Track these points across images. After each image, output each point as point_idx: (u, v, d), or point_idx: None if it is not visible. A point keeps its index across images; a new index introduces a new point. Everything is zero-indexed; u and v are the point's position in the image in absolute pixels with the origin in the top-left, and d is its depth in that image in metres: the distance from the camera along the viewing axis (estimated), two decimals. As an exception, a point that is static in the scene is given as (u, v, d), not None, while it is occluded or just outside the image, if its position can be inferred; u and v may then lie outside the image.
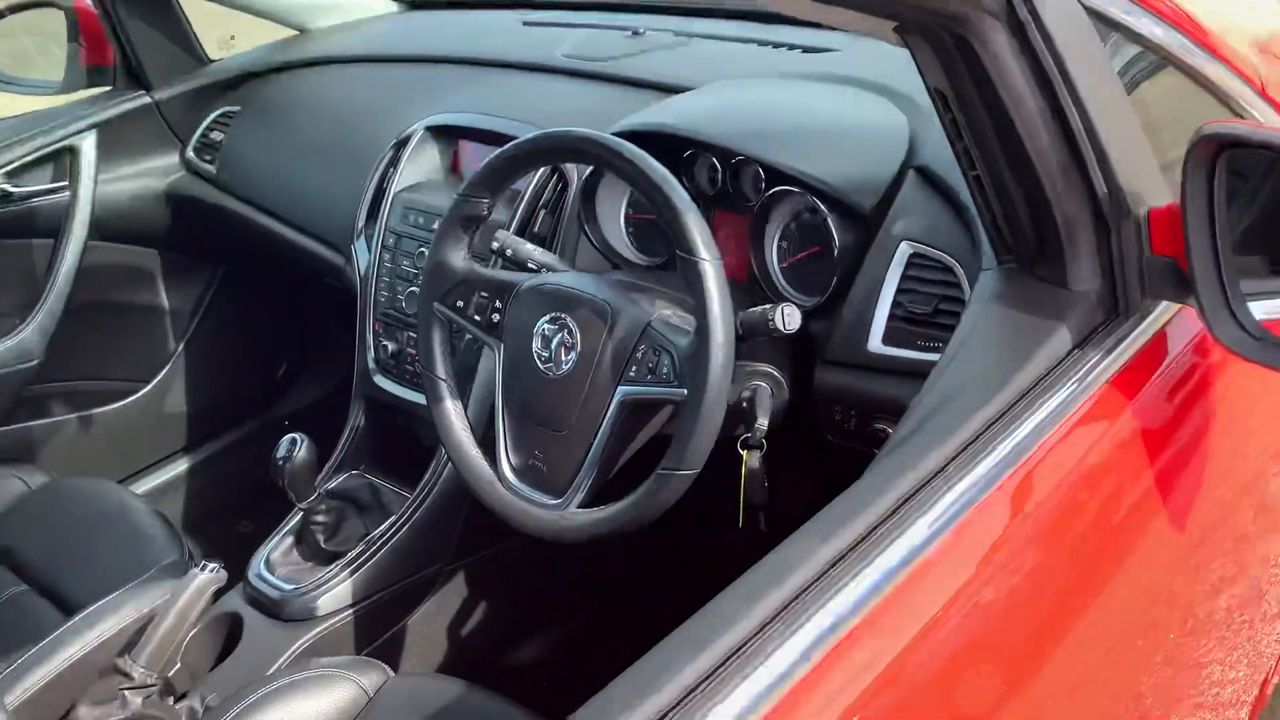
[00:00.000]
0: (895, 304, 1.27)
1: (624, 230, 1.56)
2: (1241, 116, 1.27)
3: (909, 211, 1.29)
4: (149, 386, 2.29)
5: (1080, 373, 0.96)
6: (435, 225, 1.66)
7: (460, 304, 1.34)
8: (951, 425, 0.89)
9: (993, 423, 0.89)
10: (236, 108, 2.15)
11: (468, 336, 1.51)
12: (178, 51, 2.19)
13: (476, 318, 1.33)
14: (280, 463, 1.51)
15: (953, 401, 0.93)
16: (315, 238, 1.93)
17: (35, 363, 2.04)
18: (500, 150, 1.27)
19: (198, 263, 2.31)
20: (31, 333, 2.02)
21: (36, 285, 2.05)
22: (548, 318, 1.26)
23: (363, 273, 1.76)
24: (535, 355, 1.26)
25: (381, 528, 1.61)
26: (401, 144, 1.78)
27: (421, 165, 1.76)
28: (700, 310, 1.11)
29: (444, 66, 1.95)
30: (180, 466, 2.35)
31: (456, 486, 1.60)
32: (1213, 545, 1.15)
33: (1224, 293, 0.94)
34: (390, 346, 1.70)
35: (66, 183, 2.05)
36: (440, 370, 1.36)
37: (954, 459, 0.86)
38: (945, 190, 1.28)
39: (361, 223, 1.79)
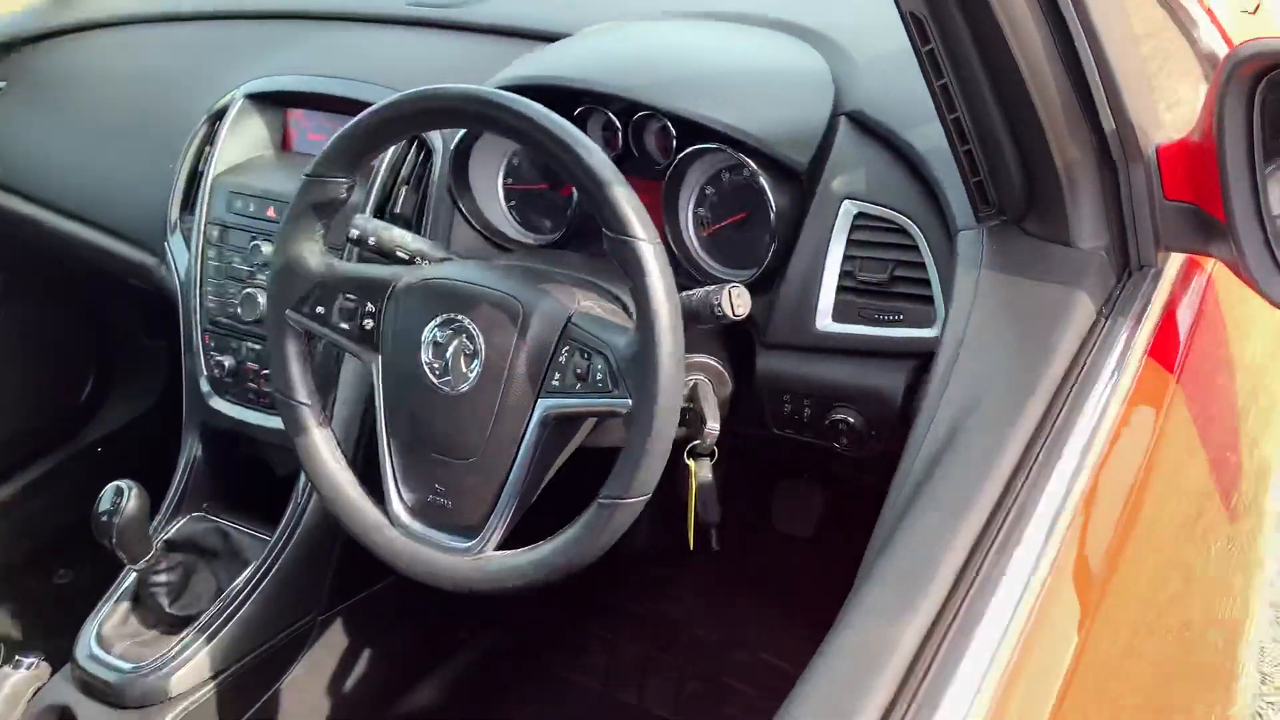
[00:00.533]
0: (843, 274, 1.09)
1: (504, 204, 1.33)
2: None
3: (848, 165, 1.11)
4: None
5: (1116, 348, 0.81)
6: (270, 212, 1.38)
7: (320, 310, 1.09)
8: (997, 437, 0.72)
9: (1044, 432, 0.73)
10: (1, 83, 1.78)
11: (323, 343, 1.26)
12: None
13: (343, 326, 1.08)
14: (104, 518, 1.22)
15: (985, 405, 0.76)
16: (116, 235, 1.61)
17: None
18: (359, 117, 1.02)
19: None
20: None
21: None
22: (438, 320, 1.02)
23: (183, 275, 1.46)
24: (426, 368, 1.02)
25: (239, 581, 1.34)
26: (217, 117, 1.48)
27: (244, 141, 1.47)
28: (641, 300, 0.91)
29: (261, 23, 1.65)
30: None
31: (325, 520, 1.35)
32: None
33: (1268, 241, 0.79)
34: (226, 362, 1.42)
35: None
36: (300, 393, 1.10)
37: (1020, 478, 0.69)
38: (886, 138, 1.11)
39: (176, 214, 1.49)
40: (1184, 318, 0.92)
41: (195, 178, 1.47)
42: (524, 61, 1.27)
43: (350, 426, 1.30)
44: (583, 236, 1.28)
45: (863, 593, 0.62)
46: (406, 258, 1.17)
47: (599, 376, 0.95)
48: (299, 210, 1.07)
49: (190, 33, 1.70)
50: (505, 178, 1.32)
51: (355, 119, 1.02)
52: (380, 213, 1.32)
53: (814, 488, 1.65)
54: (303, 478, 1.38)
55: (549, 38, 1.35)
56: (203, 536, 1.42)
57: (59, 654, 1.82)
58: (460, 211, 1.29)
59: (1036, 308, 0.84)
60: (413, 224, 1.32)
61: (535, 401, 0.98)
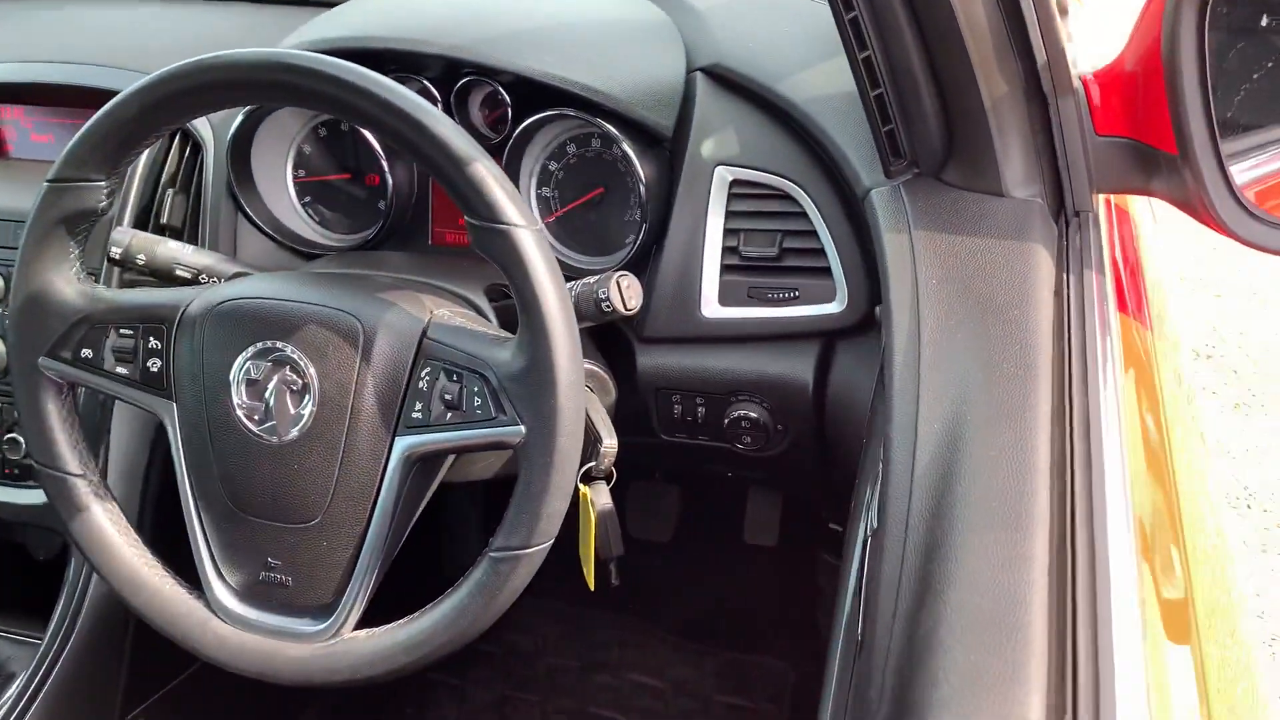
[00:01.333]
0: (725, 250, 0.96)
1: (296, 201, 1.10)
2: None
3: (714, 127, 0.98)
4: None
5: (1094, 307, 0.71)
6: (-7, 236, 1.10)
7: (86, 354, 0.84)
8: (1018, 430, 0.59)
9: (1065, 413, 0.61)
10: None
11: (83, 391, 1.00)
12: None
13: (120, 371, 0.84)
14: None
15: (983, 392, 0.64)
16: None
17: None
18: (119, 99, 0.78)
19: None
20: None
21: None
22: (251, 352, 0.81)
23: None
24: (240, 413, 0.81)
25: (1, 703, 1.06)
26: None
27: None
28: (527, 301, 0.73)
29: None
30: None
31: (110, 606, 1.09)
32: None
33: (1225, 172, 0.72)
34: None
35: None
36: (69, 462, 0.86)
37: (1066, 473, 0.57)
38: (754, 92, 0.97)
39: None
40: (1124, 264, 0.84)
41: None
42: (315, 24, 1.05)
43: (130, 493, 1.04)
44: (401, 234, 1.09)
45: (942, 655, 0.48)
46: (189, 276, 0.94)
47: (476, 402, 0.76)
48: (42, 228, 0.82)
49: None
50: (295, 169, 1.10)
51: (114, 102, 0.78)
52: (142, 225, 1.07)
53: (670, 488, 1.52)
54: (74, 560, 1.11)
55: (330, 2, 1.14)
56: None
57: None
58: (245, 214, 1.06)
59: (993, 268, 0.72)
60: (184, 235, 1.08)
61: (392, 441, 0.79)
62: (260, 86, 0.77)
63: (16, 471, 1.11)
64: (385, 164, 1.04)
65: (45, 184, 0.81)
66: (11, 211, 1.09)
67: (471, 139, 0.74)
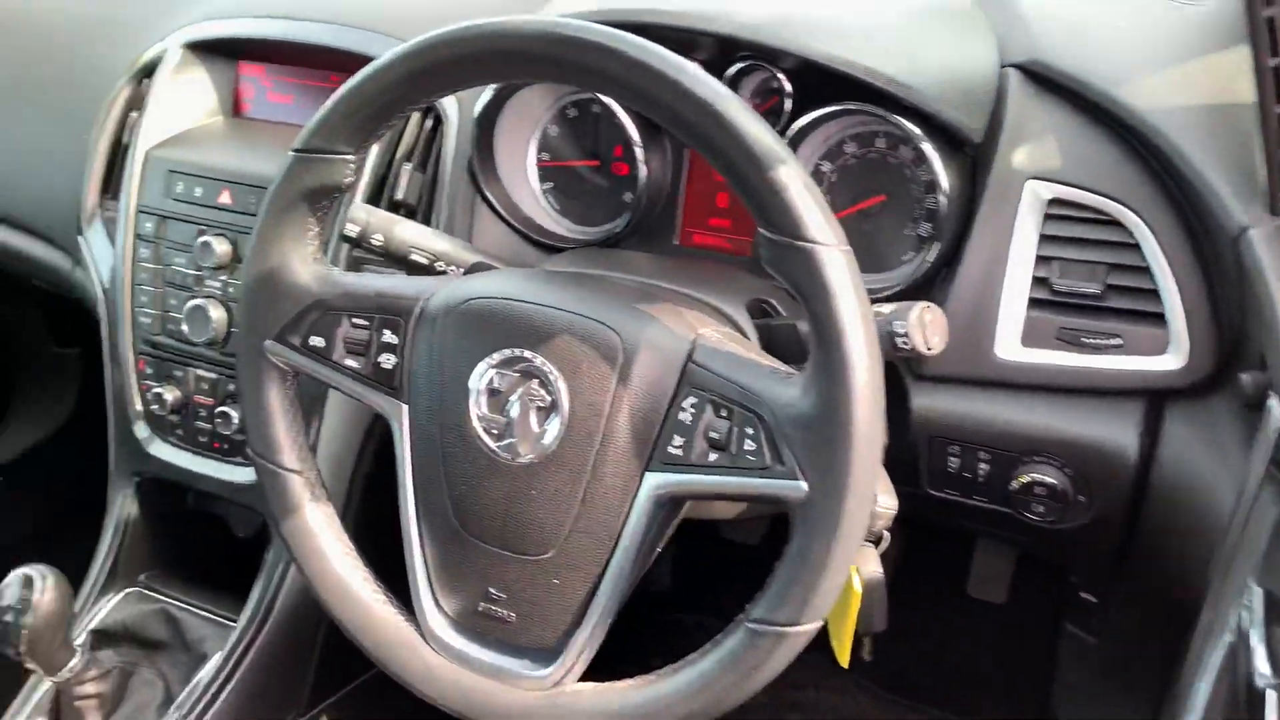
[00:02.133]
0: (1035, 282, 0.81)
1: (537, 187, 1.02)
2: None
3: (1029, 133, 0.83)
4: None
5: None
6: (223, 197, 1.05)
7: (317, 341, 0.77)
8: None
9: None
10: None
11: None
12: None
13: (351, 364, 0.77)
14: (8, 619, 0.89)
15: None
16: (14, 226, 1.25)
17: None
18: (377, 65, 0.70)
19: None
20: None
21: None
22: (496, 360, 0.72)
23: (106, 280, 1.12)
24: (477, 427, 0.72)
25: (196, 683, 1.02)
26: (145, 73, 1.13)
27: (183, 105, 1.12)
28: (827, 335, 0.61)
29: None
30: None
31: (307, 595, 1.03)
32: None
33: None
34: (167, 395, 1.08)
35: None
36: (287, 456, 0.79)
37: None
38: (1080, 98, 0.82)
39: (93, 200, 1.14)
40: None
41: (119, 152, 1.13)
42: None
43: (336, 490, 0.98)
44: (646, 231, 0.98)
45: None
46: (425, 262, 0.86)
47: (749, 446, 0.65)
48: (284, 201, 0.75)
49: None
50: (539, 152, 1.01)
51: (372, 68, 0.70)
52: (374, 200, 1.00)
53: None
54: (274, 544, 1.06)
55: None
56: (143, 623, 1.09)
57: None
58: (483, 197, 0.98)
59: None
60: (418, 214, 1.00)
61: (643, 475, 0.68)
62: (536, 60, 0.67)
63: (226, 447, 1.07)
64: (639, 153, 0.94)
65: (291, 153, 0.74)
66: (241, 174, 1.04)
67: (779, 137, 0.62)
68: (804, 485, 0.62)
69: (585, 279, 0.78)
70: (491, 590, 0.73)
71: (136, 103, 1.12)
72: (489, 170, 0.98)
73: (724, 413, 0.66)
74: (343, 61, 1.03)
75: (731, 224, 0.97)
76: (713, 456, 0.66)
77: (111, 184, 1.13)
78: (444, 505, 0.74)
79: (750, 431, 0.65)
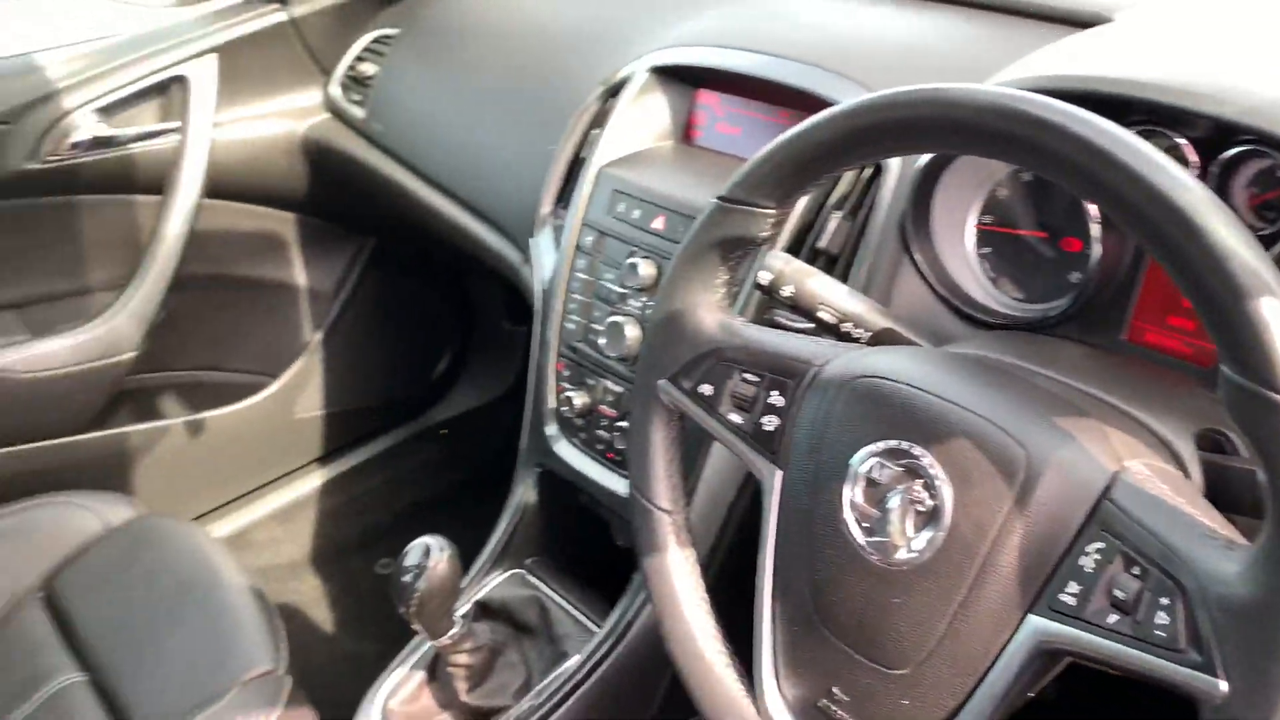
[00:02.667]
0: None
1: (974, 253, 0.94)
2: None
3: None
4: (278, 383, 1.82)
5: None
6: (657, 223, 1.08)
7: (706, 390, 0.76)
8: None
9: None
10: (394, 30, 1.61)
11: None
12: (327, -46, 1.67)
13: (734, 419, 0.74)
14: (407, 579, 0.98)
15: None
16: (482, 219, 1.38)
17: (129, 355, 1.58)
18: (811, 123, 0.67)
19: (342, 231, 1.81)
20: (125, 319, 1.56)
21: (137, 256, 1.58)
22: (882, 447, 0.66)
23: (545, 283, 1.19)
24: (848, 514, 0.67)
25: (553, 679, 1.07)
26: (612, 92, 1.19)
27: (640, 126, 1.17)
28: None
29: None
30: (312, 482, 1.89)
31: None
32: None
33: None
34: (577, 399, 1.14)
35: (177, 123, 1.57)
36: (661, 496, 0.79)
37: None
38: None
39: (547, 207, 1.22)
40: None
41: (576, 166, 1.20)
42: (1047, 56, 0.86)
43: (703, 537, 0.98)
44: (1088, 318, 0.87)
45: None
46: (833, 321, 0.82)
47: (1161, 619, 0.54)
48: (698, 246, 0.75)
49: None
50: (982, 214, 0.93)
51: (806, 125, 0.67)
52: (797, 248, 0.97)
53: None
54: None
55: (1081, 22, 0.93)
56: (519, 606, 1.16)
57: (352, 662, 1.67)
58: (911, 259, 0.92)
59: None
60: (838, 265, 0.96)
61: (1024, 617, 0.60)
62: (985, 136, 0.60)
63: (619, 459, 1.10)
64: (1095, 230, 0.83)
65: (714, 201, 0.73)
66: (677, 202, 1.06)
67: (1267, 259, 0.51)
68: (1223, 686, 0.51)
69: (998, 374, 0.69)
70: (835, 690, 0.68)
71: (599, 120, 1.19)
72: (922, 228, 0.91)
73: (1136, 570, 0.55)
74: (799, 100, 1.02)
75: (1197, 326, 0.83)
76: (1113, 619, 0.56)
77: (565, 195, 1.20)
78: (801, 584, 0.70)
79: (1166, 602, 0.54)
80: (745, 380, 0.74)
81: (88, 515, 1.40)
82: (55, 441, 1.57)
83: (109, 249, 1.59)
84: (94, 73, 1.50)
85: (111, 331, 1.55)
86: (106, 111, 1.52)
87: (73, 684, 1.22)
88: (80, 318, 1.55)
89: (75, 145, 1.50)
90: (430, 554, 0.98)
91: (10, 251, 1.53)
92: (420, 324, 1.97)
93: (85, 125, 1.50)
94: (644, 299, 1.07)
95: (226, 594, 1.26)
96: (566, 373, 1.16)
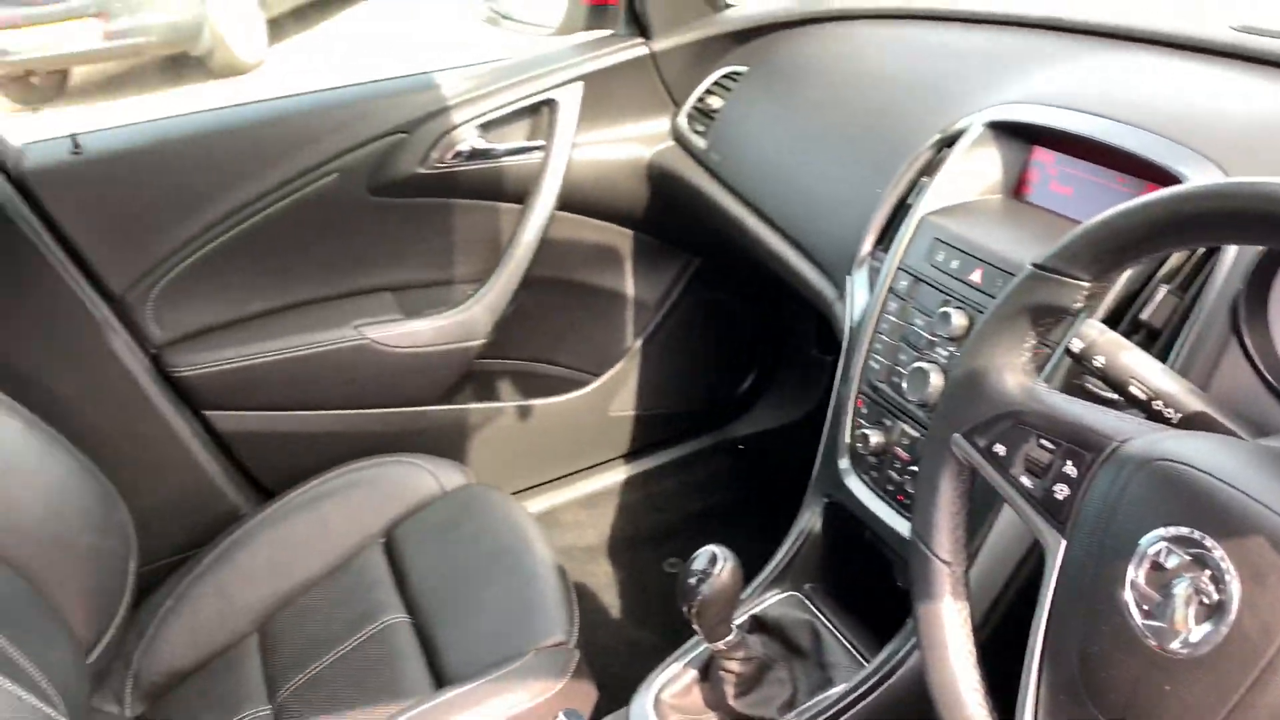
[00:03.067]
0: None
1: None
2: None
3: None
4: (598, 381, 1.97)
5: None
6: (975, 275, 1.09)
7: (999, 449, 0.78)
8: None
9: None
10: (743, 68, 1.71)
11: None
12: (692, -9, 1.79)
13: (1024, 481, 0.76)
14: (691, 582, 1.06)
15: None
16: (802, 253, 1.45)
17: (479, 341, 1.78)
18: (1142, 201, 0.68)
19: (672, 249, 1.94)
20: (480, 309, 1.76)
21: (496, 256, 1.78)
22: (1172, 533, 0.66)
23: (856, 320, 1.24)
24: (1129, 596, 0.67)
25: (820, 699, 1.12)
26: (947, 142, 1.22)
27: (971, 178, 1.19)
28: None
29: (1033, 33, 1.34)
30: (616, 475, 2.03)
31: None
32: None
33: None
34: (873, 437, 1.17)
35: (542, 141, 1.75)
36: (941, 545, 0.82)
37: None
38: None
39: (867, 248, 1.27)
40: None
41: (901, 211, 1.23)
42: None
43: (983, 592, 0.98)
44: None
45: None
46: (1143, 398, 0.81)
47: None
48: (1009, 309, 0.77)
49: (949, 37, 1.45)
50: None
51: (1134, 204, 0.68)
52: (1118, 316, 0.96)
53: None
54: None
55: None
56: (793, 627, 1.21)
57: (633, 648, 1.78)
58: (1241, 342, 0.88)
59: None
60: (1158, 340, 0.94)
61: (1309, 734, 0.58)
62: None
63: (907, 501, 1.13)
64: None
65: (1029, 266, 0.75)
66: (999, 257, 1.07)
67: None
68: None
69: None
70: (1093, 764, 0.69)
71: (930, 169, 1.22)
72: (1257, 312, 0.88)
73: None
74: (1140, 168, 1.00)
75: None
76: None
77: (885, 238, 1.24)
78: (1071, 654, 0.71)
79: None
80: (1041, 445, 0.75)
81: (427, 477, 1.60)
82: (410, 409, 1.79)
83: (473, 247, 1.80)
84: (480, 93, 1.71)
85: (468, 319, 1.76)
86: (486, 127, 1.73)
87: (398, 623, 1.40)
88: (443, 304, 1.77)
89: (457, 155, 1.72)
90: (716, 562, 1.05)
91: (394, 241, 1.77)
92: (733, 342, 2.06)
93: (468, 138, 1.72)
94: (951, 348, 1.09)
95: (535, 565, 1.40)
96: (865, 410, 1.20)
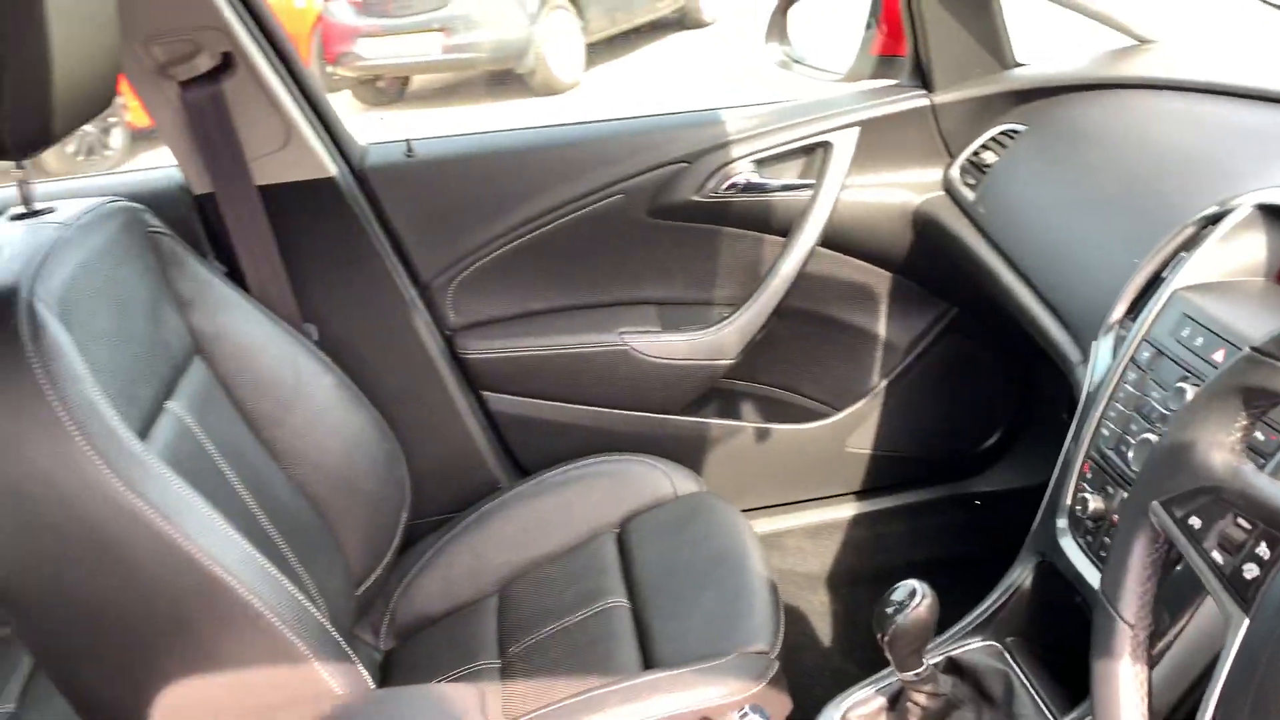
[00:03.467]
0: None
1: None
2: None
3: None
4: (838, 415, 2.03)
5: None
6: (1217, 355, 1.08)
7: (1195, 521, 0.80)
8: None
9: None
10: (1021, 126, 1.73)
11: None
12: (979, 51, 1.83)
13: (1215, 556, 0.78)
14: (887, 611, 1.12)
15: None
16: (1051, 312, 1.45)
17: (727, 361, 1.90)
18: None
19: (928, 295, 1.97)
20: (732, 331, 1.88)
21: (754, 283, 1.89)
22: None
23: (1094, 385, 1.25)
24: (1303, 679, 0.68)
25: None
26: (1212, 219, 1.21)
27: (1230, 258, 1.17)
28: None
29: None
30: (844, 511, 2.08)
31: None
32: None
33: None
34: (1093, 502, 1.18)
35: (813, 180, 1.84)
36: (1126, 606, 0.84)
37: None
38: None
39: (1116, 315, 1.27)
40: None
41: (1154, 283, 1.23)
42: None
43: (1179, 676, 0.98)
44: None
45: None
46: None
47: None
48: (1224, 387, 0.79)
49: (1236, 113, 1.42)
50: None
51: None
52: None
53: None
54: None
55: None
56: (984, 671, 1.23)
57: (834, 675, 1.83)
58: None
59: None
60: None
61: None
62: None
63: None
64: None
65: (1248, 349, 0.77)
66: (1245, 339, 1.05)
67: None
68: None
69: None
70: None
71: (1189, 244, 1.21)
72: None
73: None
74: None
75: None
76: None
77: (1135, 308, 1.24)
78: (1239, 731, 0.72)
79: None
80: (1238, 525, 0.77)
81: (664, 479, 1.73)
82: (656, 415, 1.93)
83: (733, 272, 1.92)
84: (759, 131, 1.83)
85: (720, 339, 1.88)
86: (761, 163, 1.85)
87: (619, 606, 1.53)
88: (700, 322, 1.90)
89: (731, 186, 1.84)
90: (915, 595, 1.10)
91: (663, 260, 1.91)
92: (981, 395, 2.06)
93: (744, 172, 1.84)
94: (1155, 444, 1.09)
95: (751, 577, 1.49)
96: (1090, 475, 1.20)
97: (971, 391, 2.05)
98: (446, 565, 1.70)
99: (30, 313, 1.05)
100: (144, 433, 1.21)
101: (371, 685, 1.25)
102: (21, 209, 1.28)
